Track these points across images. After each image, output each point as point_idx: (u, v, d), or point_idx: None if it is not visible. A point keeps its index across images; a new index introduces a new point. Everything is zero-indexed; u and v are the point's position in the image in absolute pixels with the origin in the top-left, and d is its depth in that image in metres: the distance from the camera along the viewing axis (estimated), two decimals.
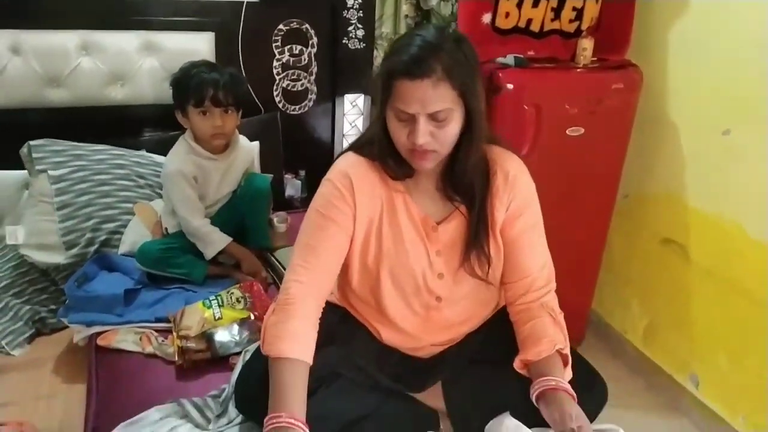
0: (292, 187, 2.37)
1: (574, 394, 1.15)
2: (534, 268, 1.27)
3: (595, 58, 1.99)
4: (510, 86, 1.82)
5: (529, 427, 1.15)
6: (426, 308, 1.27)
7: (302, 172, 2.42)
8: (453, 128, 1.12)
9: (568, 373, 1.19)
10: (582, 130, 1.93)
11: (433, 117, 1.10)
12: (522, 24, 1.95)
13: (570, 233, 2.03)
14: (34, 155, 1.82)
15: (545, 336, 1.21)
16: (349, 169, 1.21)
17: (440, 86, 1.07)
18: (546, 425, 1.16)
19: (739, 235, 1.81)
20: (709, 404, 1.96)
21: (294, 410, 1.03)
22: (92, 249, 1.83)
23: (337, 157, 1.28)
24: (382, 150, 1.20)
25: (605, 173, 2.11)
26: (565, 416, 1.10)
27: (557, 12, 1.97)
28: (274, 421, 1.01)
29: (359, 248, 1.23)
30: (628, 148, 2.11)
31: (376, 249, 1.22)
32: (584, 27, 2.01)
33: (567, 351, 1.21)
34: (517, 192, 1.24)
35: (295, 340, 1.10)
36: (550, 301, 1.27)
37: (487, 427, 1.18)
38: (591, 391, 1.24)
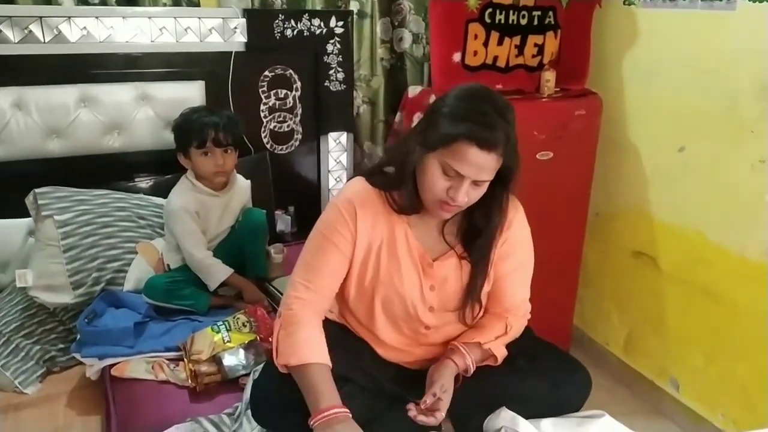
0: (283, 222, 2.44)
1: (461, 374, 1.28)
2: (514, 304, 1.38)
3: (557, 89, 2.13)
4: None
5: (525, 418, 1.25)
6: (414, 333, 1.34)
7: (291, 208, 2.49)
8: (484, 190, 1.21)
9: (477, 358, 1.31)
10: (551, 154, 2.06)
11: (476, 182, 1.18)
12: (489, 61, 2.09)
13: (547, 252, 2.09)
14: (40, 202, 1.88)
15: (484, 333, 1.33)
16: (354, 197, 1.27)
17: (497, 161, 1.16)
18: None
19: (701, 243, 1.93)
20: (690, 405, 2.04)
21: (334, 402, 1.12)
22: (98, 288, 1.88)
23: (348, 180, 1.36)
24: (399, 184, 1.24)
25: (576, 193, 2.23)
26: (436, 382, 1.22)
27: (520, 49, 2.12)
28: (322, 416, 1.10)
29: (357, 271, 1.30)
30: (595, 168, 2.23)
31: (372, 274, 1.29)
32: (546, 61, 2.16)
33: (494, 352, 1.31)
34: (510, 233, 1.33)
35: (312, 346, 1.20)
36: (513, 321, 1.37)
37: (485, 422, 1.27)
38: (574, 380, 1.35)
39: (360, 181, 1.31)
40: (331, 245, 1.26)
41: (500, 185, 1.24)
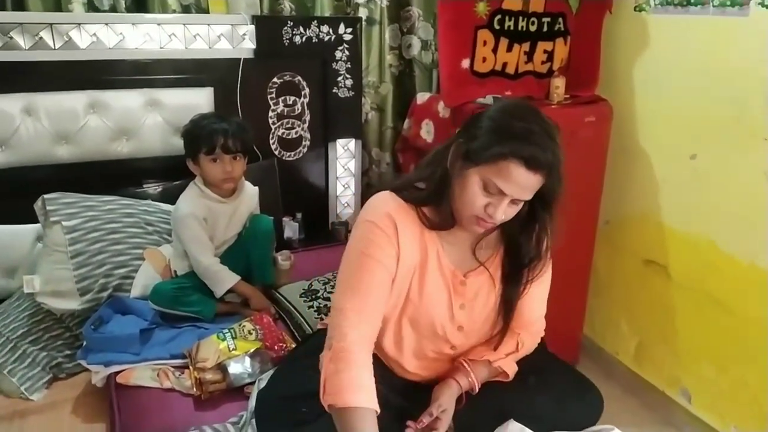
0: (290, 228, 2.43)
1: (464, 394, 1.27)
2: (531, 320, 1.36)
3: (567, 95, 2.10)
4: None
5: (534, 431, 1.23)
6: (438, 353, 1.31)
7: (299, 215, 2.48)
8: (519, 208, 1.18)
9: (484, 376, 1.30)
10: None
11: (514, 200, 1.15)
12: (498, 67, 2.06)
13: (556, 261, 2.10)
14: (48, 208, 1.88)
15: (494, 351, 1.31)
16: (392, 213, 1.19)
17: (540, 182, 1.13)
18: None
19: (712, 251, 1.90)
20: (701, 417, 2.01)
21: None
22: (105, 294, 1.88)
23: (372, 195, 1.28)
24: (435, 199, 1.20)
25: (585, 201, 2.19)
26: (435, 401, 1.22)
27: (530, 55, 2.09)
28: None
29: (396, 291, 1.22)
30: (605, 176, 2.20)
31: (404, 295, 1.24)
32: (555, 67, 2.14)
33: (504, 369, 1.30)
34: None
35: (361, 390, 1.09)
36: (525, 338, 1.36)
37: None
38: (585, 400, 1.33)
39: (391, 197, 1.24)
40: (374, 262, 1.17)
41: (542, 207, 1.21)
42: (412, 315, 1.26)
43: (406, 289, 1.24)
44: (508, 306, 1.29)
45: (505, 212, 1.15)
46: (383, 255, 1.18)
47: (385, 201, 1.23)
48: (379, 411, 1.09)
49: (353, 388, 1.08)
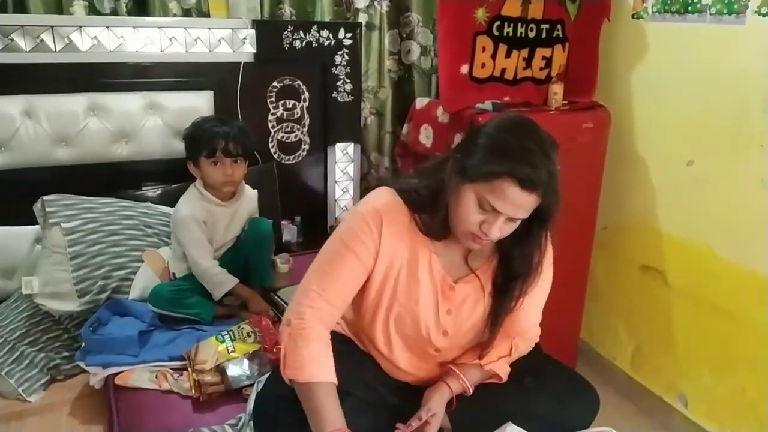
0: (289, 232, 2.44)
1: (455, 398, 1.28)
2: (526, 328, 1.36)
3: (565, 101, 2.11)
4: None
5: None
6: (423, 353, 1.32)
7: (297, 218, 2.49)
8: (516, 225, 1.17)
9: (476, 379, 1.31)
10: (558, 167, 2.06)
11: (510, 218, 1.14)
12: (497, 73, 2.08)
13: (553, 266, 2.12)
14: (48, 209, 1.89)
15: (486, 353, 1.32)
16: (382, 209, 1.21)
17: (536, 201, 1.12)
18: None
19: (709, 257, 1.91)
20: (698, 422, 2.01)
21: (339, 426, 1.09)
22: (104, 296, 1.88)
23: (374, 188, 1.30)
24: (431, 209, 1.20)
25: (583, 206, 2.20)
26: (425, 405, 1.23)
27: (528, 61, 2.11)
28: None
29: (376, 288, 1.24)
30: (603, 182, 2.21)
31: (390, 293, 1.25)
32: (554, 74, 2.15)
33: (496, 372, 1.31)
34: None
35: (320, 364, 1.15)
36: (519, 342, 1.37)
37: None
38: (582, 399, 1.34)
39: (388, 193, 1.25)
40: (351, 253, 1.20)
41: (537, 223, 1.20)
42: (399, 315, 1.26)
43: (392, 286, 1.24)
44: (495, 318, 1.28)
45: (501, 229, 1.15)
46: (362, 248, 1.20)
47: (381, 196, 1.25)
48: (336, 383, 1.14)
49: (313, 362, 1.14)
